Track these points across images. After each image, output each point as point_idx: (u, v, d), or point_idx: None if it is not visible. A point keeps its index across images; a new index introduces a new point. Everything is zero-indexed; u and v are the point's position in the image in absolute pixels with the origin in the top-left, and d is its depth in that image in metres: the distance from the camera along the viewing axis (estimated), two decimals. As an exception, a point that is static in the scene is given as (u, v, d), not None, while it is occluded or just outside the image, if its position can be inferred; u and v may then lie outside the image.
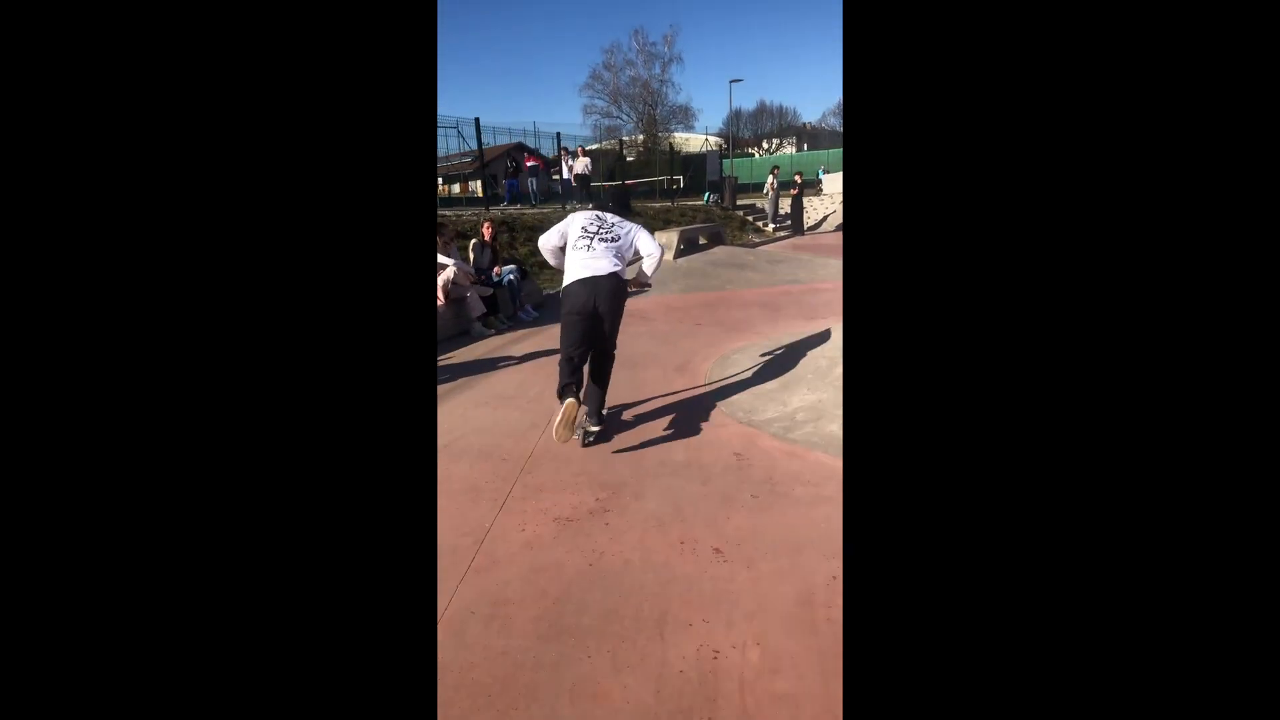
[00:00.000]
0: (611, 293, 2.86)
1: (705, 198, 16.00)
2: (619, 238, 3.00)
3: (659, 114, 38.00)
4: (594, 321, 2.85)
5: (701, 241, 10.15)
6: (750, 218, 14.95)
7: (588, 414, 2.97)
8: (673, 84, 33.50)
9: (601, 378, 3.01)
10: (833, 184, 18.37)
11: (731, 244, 11.31)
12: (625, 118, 38.46)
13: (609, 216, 3.09)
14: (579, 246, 2.96)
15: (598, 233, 2.99)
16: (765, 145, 42.93)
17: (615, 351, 3.05)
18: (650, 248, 3.08)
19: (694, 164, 22.59)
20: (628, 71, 38.09)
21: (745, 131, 45.14)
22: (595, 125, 36.74)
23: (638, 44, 37.61)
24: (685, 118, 36.28)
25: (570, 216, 3.14)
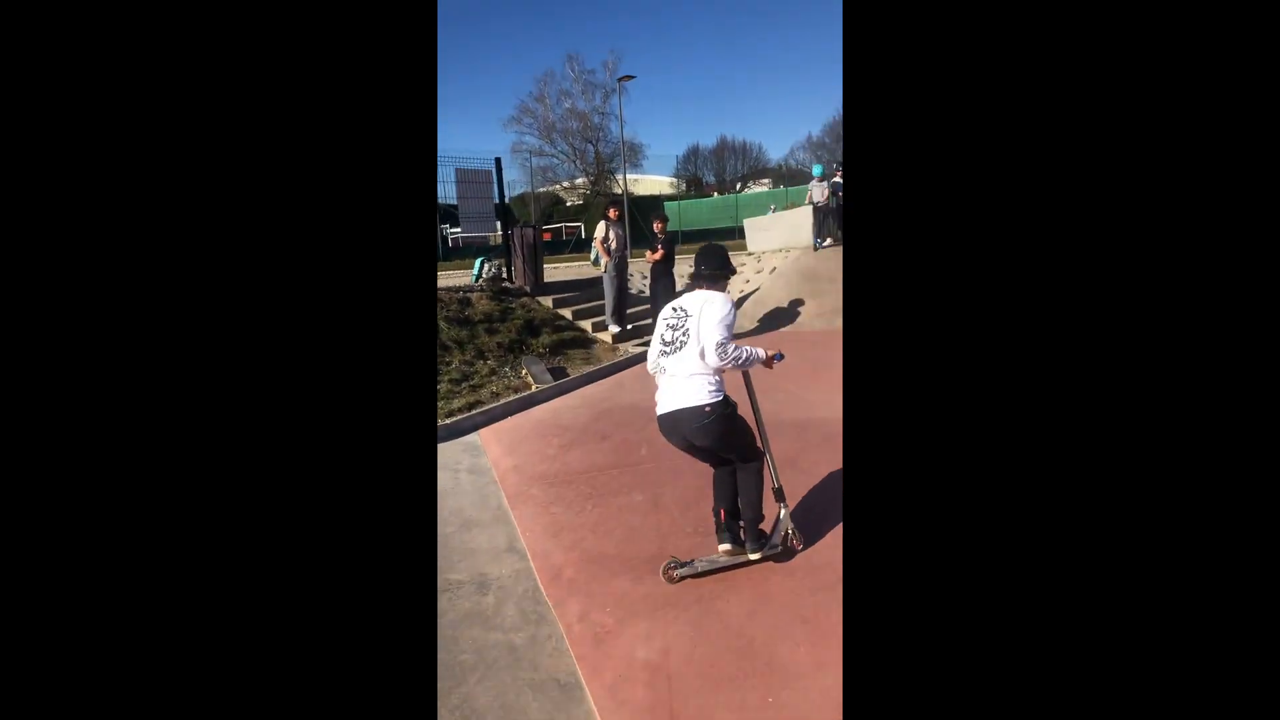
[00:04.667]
0: (703, 430, 2.10)
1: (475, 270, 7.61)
2: (690, 335, 2.15)
3: (602, 150, 32.66)
4: (700, 453, 2.26)
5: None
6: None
7: (734, 542, 2.32)
8: (615, 116, 27.80)
9: (744, 497, 2.28)
10: (772, 235, 10.67)
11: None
12: (560, 157, 33.11)
13: (689, 301, 2.21)
14: (659, 369, 2.20)
15: (673, 341, 2.18)
16: (738, 187, 37.53)
17: (756, 462, 2.28)
18: (714, 335, 2.06)
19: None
20: (563, 103, 32.79)
21: (706, 174, 40.30)
22: (523, 164, 31.33)
23: (573, 71, 32.50)
24: (633, 156, 31.14)
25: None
